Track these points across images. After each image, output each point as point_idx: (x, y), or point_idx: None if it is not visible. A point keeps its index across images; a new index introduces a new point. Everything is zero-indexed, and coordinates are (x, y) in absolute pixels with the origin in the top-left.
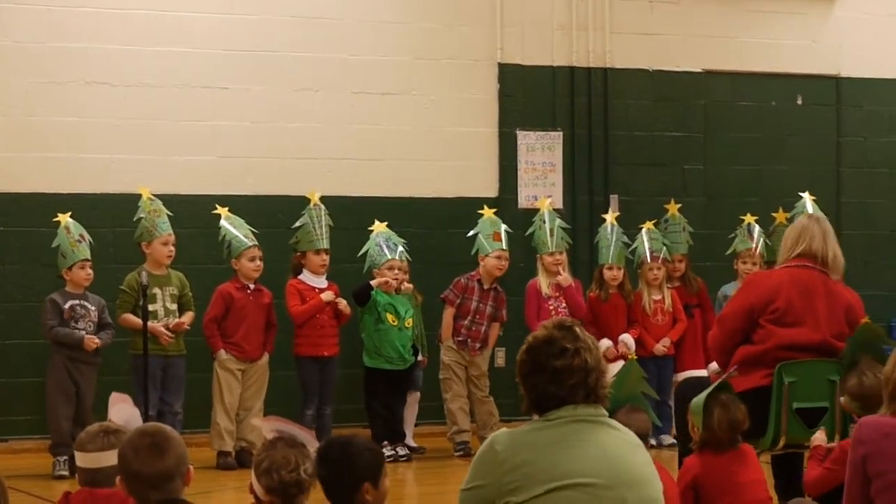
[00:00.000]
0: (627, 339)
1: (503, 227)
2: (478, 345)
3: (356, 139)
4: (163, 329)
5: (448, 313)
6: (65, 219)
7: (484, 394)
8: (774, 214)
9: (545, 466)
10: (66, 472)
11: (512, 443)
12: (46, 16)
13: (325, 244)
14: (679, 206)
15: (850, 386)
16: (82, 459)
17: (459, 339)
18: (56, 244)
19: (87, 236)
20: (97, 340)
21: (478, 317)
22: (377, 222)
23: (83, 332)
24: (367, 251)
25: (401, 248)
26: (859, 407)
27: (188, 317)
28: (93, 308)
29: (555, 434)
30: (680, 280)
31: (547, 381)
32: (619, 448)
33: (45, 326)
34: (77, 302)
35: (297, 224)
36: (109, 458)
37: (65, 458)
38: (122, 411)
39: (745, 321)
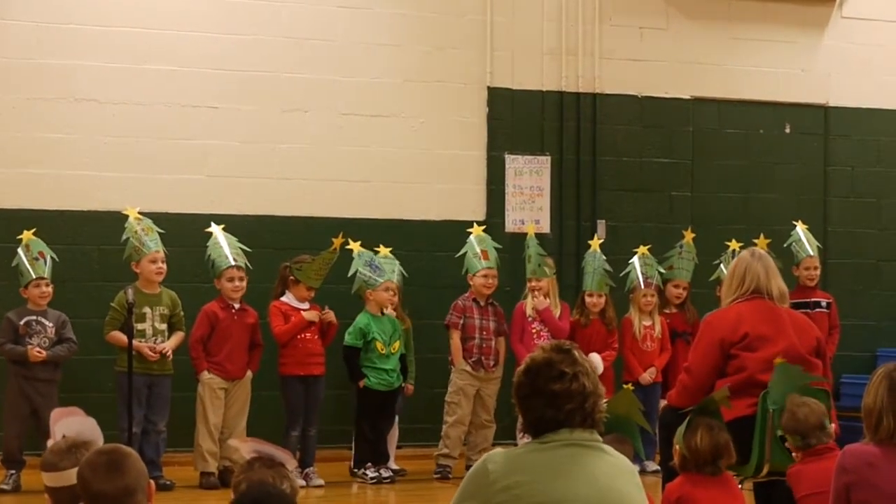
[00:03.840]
0: (595, 357)
1: (492, 244)
2: (491, 361)
3: (345, 160)
4: (147, 349)
5: (455, 337)
6: (27, 236)
7: (488, 418)
8: (755, 240)
9: (536, 490)
10: (7, 487)
11: (504, 463)
12: (34, 32)
13: (319, 284)
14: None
15: (784, 421)
16: (56, 479)
17: (473, 359)
18: (15, 263)
19: (47, 254)
20: (41, 352)
21: (484, 333)
22: (351, 241)
23: (30, 348)
24: (355, 273)
25: (392, 269)
26: (800, 440)
27: (176, 338)
28: (50, 324)
29: (548, 457)
30: (678, 307)
31: (545, 404)
32: (611, 475)
33: None
34: (34, 318)
35: (309, 257)
36: None
37: (12, 472)
38: (72, 424)
39: (717, 357)
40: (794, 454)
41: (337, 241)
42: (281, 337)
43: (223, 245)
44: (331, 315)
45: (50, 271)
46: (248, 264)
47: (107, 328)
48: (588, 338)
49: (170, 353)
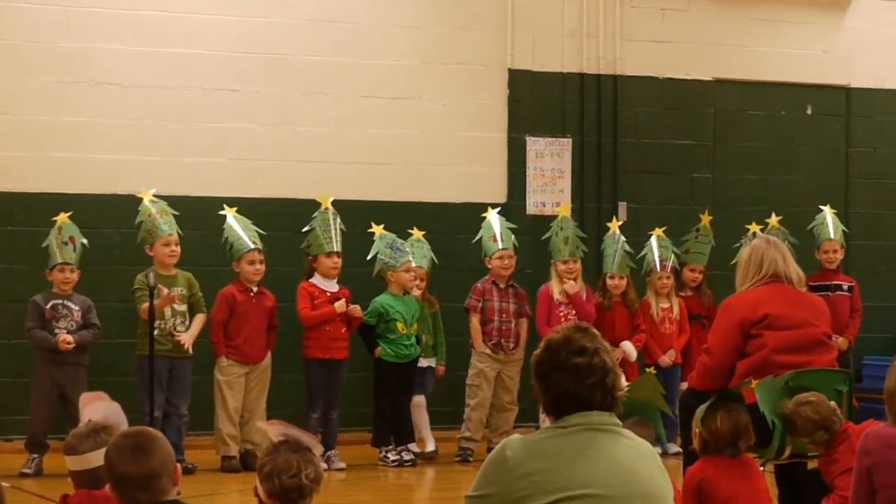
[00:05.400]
0: (628, 346)
1: (506, 226)
2: (511, 343)
3: (365, 143)
4: (174, 294)
5: (474, 320)
6: (62, 219)
7: (510, 400)
8: (767, 220)
9: (556, 476)
10: (29, 471)
11: (523, 450)
12: (57, 15)
13: (336, 247)
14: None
15: (805, 428)
16: (77, 462)
17: (493, 342)
18: (45, 244)
19: (77, 239)
20: (70, 340)
21: (504, 315)
22: (374, 224)
23: (58, 335)
24: (375, 255)
25: (422, 253)
26: (825, 434)
27: (198, 323)
28: (76, 308)
29: (567, 443)
30: (694, 290)
31: (567, 378)
32: (632, 458)
33: (25, 328)
34: (60, 301)
35: (307, 228)
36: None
37: (35, 456)
38: (98, 409)
39: (737, 337)
40: (817, 451)
41: (324, 200)
42: (306, 321)
43: (237, 229)
44: (357, 311)
45: (77, 258)
46: (263, 247)
47: (138, 304)
48: (611, 320)
49: (188, 346)
